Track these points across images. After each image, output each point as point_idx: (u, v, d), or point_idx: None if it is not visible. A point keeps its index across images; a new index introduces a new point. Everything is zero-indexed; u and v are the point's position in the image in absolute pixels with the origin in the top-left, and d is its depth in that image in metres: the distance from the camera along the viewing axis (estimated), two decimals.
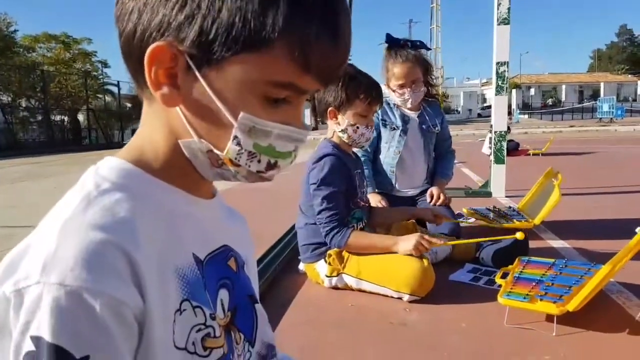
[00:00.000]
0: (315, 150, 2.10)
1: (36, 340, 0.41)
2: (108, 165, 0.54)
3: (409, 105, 2.77)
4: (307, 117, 29.44)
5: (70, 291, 0.41)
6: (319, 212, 1.97)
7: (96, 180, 0.52)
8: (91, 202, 0.48)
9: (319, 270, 2.05)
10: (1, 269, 0.45)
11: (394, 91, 2.72)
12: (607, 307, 1.74)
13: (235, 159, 0.54)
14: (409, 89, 2.66)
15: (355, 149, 2.22)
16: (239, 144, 0.52)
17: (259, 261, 2.24)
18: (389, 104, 2.81)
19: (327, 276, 2.01)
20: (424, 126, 2.83)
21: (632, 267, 1.92)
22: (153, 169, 0.55)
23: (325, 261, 2.02)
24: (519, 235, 1.87)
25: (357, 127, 2.00)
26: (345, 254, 1.99)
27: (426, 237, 1.95)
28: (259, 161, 0.54)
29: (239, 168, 0.54)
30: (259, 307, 0.67)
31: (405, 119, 2.80)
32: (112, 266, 0.44)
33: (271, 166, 0.56)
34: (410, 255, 1.89)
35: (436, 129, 2.86)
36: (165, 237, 0.52)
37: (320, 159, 2.00)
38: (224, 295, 0.58)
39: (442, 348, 1.52)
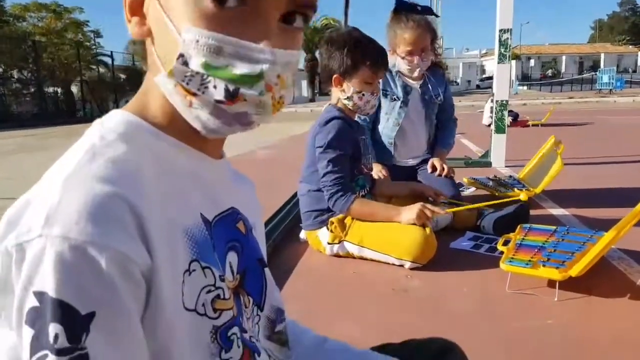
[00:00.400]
0: (320, 115, 2.07)
1: (40, 295, 0.39)
2: (113, 119, 0.52)
3: (415, 74, 2.68)
4: (304, 89, 29.13)
5: (75, 245, 0.39)
6: (324, 175, 1.95)
7: (101, 133, 0.49)
8: (96, 154, 0.46)
9: (321, 237, 2.05)
10: (2, 223, 0.43)
11: (402, 58, 2.62)
12: (609, 273, 1.74)
13: (184, 81, 0.48)
14: (418, 56, 2.57)
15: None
16: (185, 63, 0.48)
17: None
18: (390, 72, 2.72)
19: (329, 243, 2.01)
20: (426, 97, 2.76)
21: (633, 234, 1.92)
22: (157, 122, 0.53)
23: (328, 228, 2.01)
24: (523, 196, 1.87)
25: (363, 95, 1.96)
26: (347, 221, 1.99)
27: (428, 206, 1.94)
28: (214, 87, 0.48)
29: (197, 99, 0.49)
30: (267, 271, 0.65)
31: (406, 90, 2.73)
32: (119, 220, 0.41)
33: (232, 95, 0.48)
34: (413, 224, 1.89)
35: (439, 99, 2.79)
36: (172, 193, 0.49)
37: (327, 122, 1.97)
38: (232, 258, 0.56)
39: (444, 313, 1.53)
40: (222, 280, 0.51)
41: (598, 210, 2.54)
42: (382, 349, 0.79)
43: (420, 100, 2.76)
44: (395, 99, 2.73)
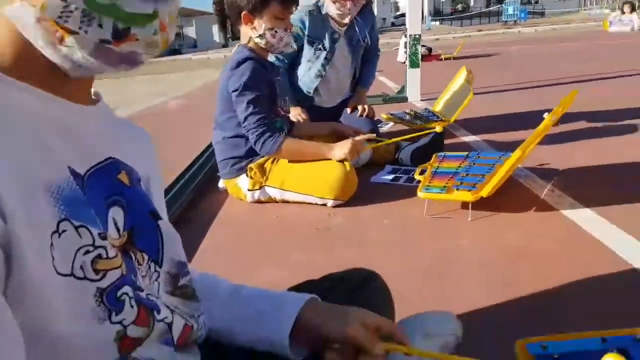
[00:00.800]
0: (230, 57, 1.94)
1: None
2: None
3: (346, 21, 2.54)
4: (216, 34, 27.71)
5: None
6: (246, 118, 1.87)
7: None
8: None
9: (241, 185, 1.98)
10: None
11: (334, 2, 2.45)
12: (516, 190, 1.85)
13: (61, 18, 0.42)
14: (351, 1, 2.42)
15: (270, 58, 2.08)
16: None
17: (175, 182, 2.13)
18: (320, 13, 2.56)
19: (249, 190, 1.96)
20: (353, 42, 2.66)
21: (537, 152, 2.05)
22: (6, 67, 0.45)
23: (247, 175, 1.95)
24: (438, 128, 1.93)
25: (276, 32, 1.86)
26: (267, 165, 1.94)
27: (358, 138, 1.95)
28: (100, 25, 0.43)
29: (74, 37, 0.43)
30: (163, 224, 0.59)
31: (334, 38, 2.58)
32: None
33: (121, 35, 0.44)
34: (343, 160, 1.89)
35: (366, 41, 2.69)
36: (27, 145, 0.43)
37: (239, 64, 1.86)
38: (116, 213, 0.51)
39: (367, 244, 1.56)
40: (104, 238, 0.46)
41: (507, 134, 2.68)
42: (302, 287, 0.78)
43: (347, 45, 2.65)
44: (320, 49, 2.60)
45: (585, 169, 2.02)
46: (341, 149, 1.90)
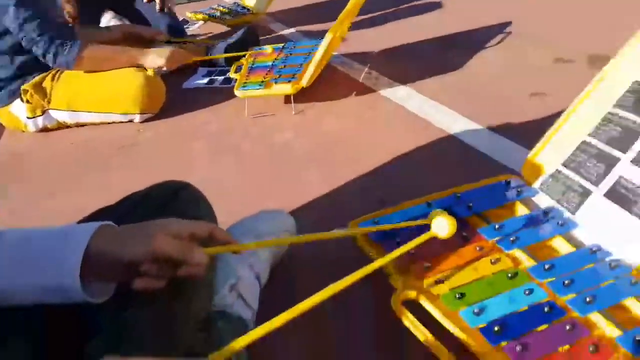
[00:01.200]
0: None
1: None
2: None
3: None
4: None
5: None
6: (21, 27, 1.44)
7: None
8: None
9: (17, 113, 1.58)
10: None
11: None
12: (336, 77, 1.79)
13: None
14: None
15: None
16: None
17: None
18: None
19: (29, 118, 1.57)
20: None
21: (352, 37, 2.01)
22: None
23: (22, 100, 1.55)
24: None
25: None
26: (46, 84, 1.55)
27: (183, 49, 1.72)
28: None
29: None
30: None
31: None
32: None
33: None
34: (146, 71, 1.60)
35: None
36: None
37: None
38: None
39: (184, 156, 1.38)
40: None
41: (322, 25, 2.58)
42: (95, 216, 0.65)
43: None
44: None
45: (398, 48, 2.04)
46: (159, 55, 1.62)
